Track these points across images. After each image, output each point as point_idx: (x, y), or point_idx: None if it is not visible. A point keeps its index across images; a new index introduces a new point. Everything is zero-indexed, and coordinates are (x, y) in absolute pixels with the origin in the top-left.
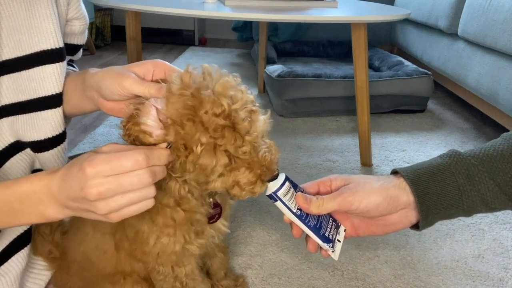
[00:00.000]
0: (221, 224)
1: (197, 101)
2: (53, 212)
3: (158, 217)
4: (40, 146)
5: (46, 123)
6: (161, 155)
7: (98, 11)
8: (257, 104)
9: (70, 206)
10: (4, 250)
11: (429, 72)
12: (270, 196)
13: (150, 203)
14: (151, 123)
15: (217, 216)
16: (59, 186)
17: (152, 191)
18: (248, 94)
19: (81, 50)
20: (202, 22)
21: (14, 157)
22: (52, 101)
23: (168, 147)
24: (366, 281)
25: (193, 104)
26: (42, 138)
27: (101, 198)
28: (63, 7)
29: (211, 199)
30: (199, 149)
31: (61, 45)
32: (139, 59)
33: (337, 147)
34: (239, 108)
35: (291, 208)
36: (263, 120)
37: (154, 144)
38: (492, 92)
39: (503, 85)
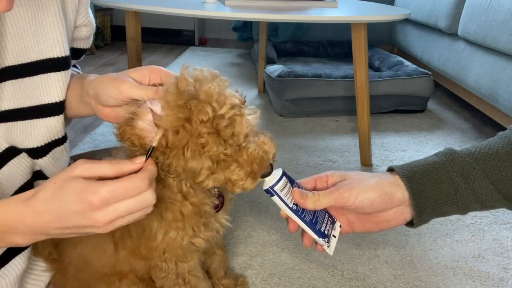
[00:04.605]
0: (224, 219)
1: (188, 111)
2: (21, 241)
3: (167, 213)
4: (37, 152)
5: (45, 130)
6: (154, 171)
7: (98, 11)
8: (243, 106)
9: (51, 233)
10: (5, 252)
11: (429, 72)
12: (267, 191)
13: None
14: (146, 126)
15: (220, 205)
16: (36, 219)
17: (151, 208)
18: (234, 98)
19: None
20: (202, 22)
21: (12, 161)
22: (54, 109)
23: (149, 150)
24: (366, 281)
25: (183, 116)
26: (40, 145)
27: (111, 224)
28: (71, 15)
29: (216, 189)
30: (188, 154)
31: (67, 53)
32: (139, 59)
33: (337, 147)
34: (224, 113)
35: (287, 203)
36: (246, 121)
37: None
38: (492, 92)
39: (503, 85)
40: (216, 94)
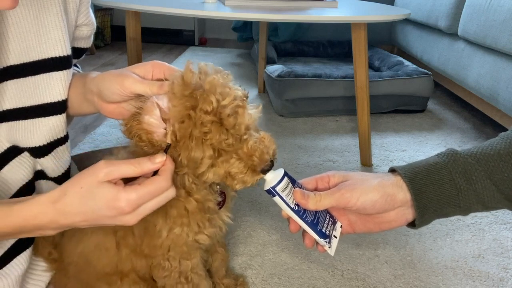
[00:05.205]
0: (226, 216)
1: (194, 101)
2: (51, 233)
3: (172, 209)
4: (40, 151)
5: (48, 129)
6: (173, 168)
7: (98, 11)
8: (245, 99)
9: (79, 227)
10: (6, 252)
11: (429, 72)
12: (268, 191)
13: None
14: (154, 121)
15: (222, 202)
16: (66, 220)
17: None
18: (237, 90)
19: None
20: (202, 22)
21: (13, 160)
22: (56, 108)
23: (167, 148)
24: (366, 281)
25: (190, 105)
26: (42, 144)
27: (138, 220)
28: (72, 15)
29: (218, 186)
30: (192, 143)
31: (69, 53)
32: (139, 59)
33: (337, 147)
34: (227, 104)
35: (289, 203)
36: (249, 114)
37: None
38: (492, 92)
39: (503, 85)
40: (221, 86)
